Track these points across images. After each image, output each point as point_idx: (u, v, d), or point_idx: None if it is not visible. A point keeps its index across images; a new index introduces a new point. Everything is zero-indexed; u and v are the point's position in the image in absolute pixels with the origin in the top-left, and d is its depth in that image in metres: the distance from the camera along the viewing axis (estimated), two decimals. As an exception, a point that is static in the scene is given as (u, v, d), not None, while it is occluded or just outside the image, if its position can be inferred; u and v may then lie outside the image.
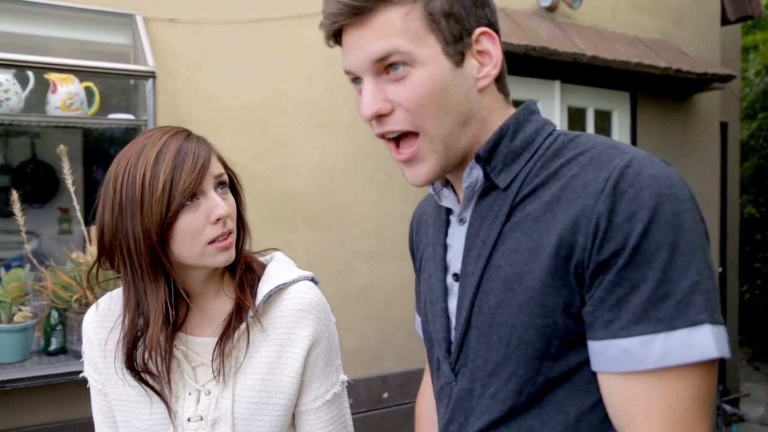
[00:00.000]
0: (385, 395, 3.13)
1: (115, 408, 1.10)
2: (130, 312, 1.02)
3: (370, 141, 3.08)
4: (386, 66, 0.81)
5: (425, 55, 0.79)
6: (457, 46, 0.81)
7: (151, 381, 1.04)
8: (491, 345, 0.82)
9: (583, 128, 3.85)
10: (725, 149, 5.46)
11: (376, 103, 0.81)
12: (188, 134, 1.04)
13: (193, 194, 1.00)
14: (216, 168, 1.04)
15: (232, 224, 1.06)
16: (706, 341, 0.69)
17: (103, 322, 1.11)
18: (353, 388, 2.97)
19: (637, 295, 0.71)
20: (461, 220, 0.91)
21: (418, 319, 1.14)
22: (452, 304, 0.90)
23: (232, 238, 1.05)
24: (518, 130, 0.86)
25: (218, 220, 1.01)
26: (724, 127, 5.34)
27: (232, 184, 1.11)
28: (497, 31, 0.86)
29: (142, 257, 0.99)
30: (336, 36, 0.85)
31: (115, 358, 1.06)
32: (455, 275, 0.90)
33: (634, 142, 4.03)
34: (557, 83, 3.64)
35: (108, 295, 1.15)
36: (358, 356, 3.03)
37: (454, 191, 0.93)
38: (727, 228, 5.57)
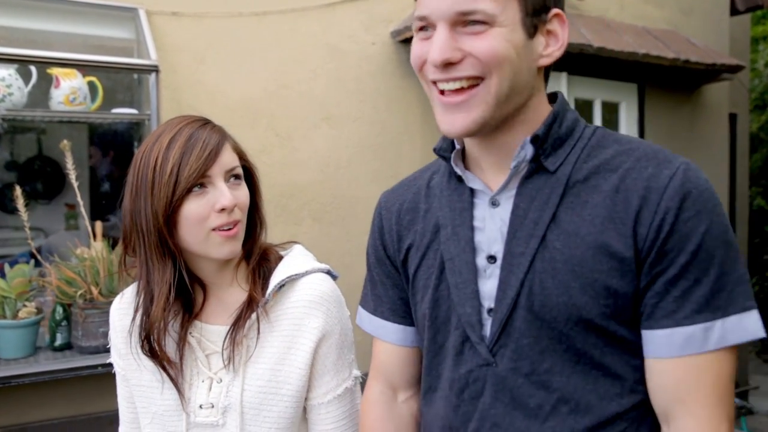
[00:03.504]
0: (392, 389, 3.12)
1: (135, 394, 1.14)
2: (143, 291, 1.06)
3: (375, 134, 3.07)
4: (466, 21, 0.84)
5: (506, 20, 0.84)
6: (534, 19, 0.86)
7: (165, 364, 1.06)
8: (543, 323, 0.86)
9: (590, 120, 3.82)
10: (734, 141, 5.42)
11: (448, 50, 0.84)
12: (204, 123, 1.07)
13: (201, 182, 1.02)
14: (229, 159, 1.06)
15: (240, 215, 1.07)
16: (756, 324, 0.82)
17: (127, 309, 1.14)
18: (359, 383, 2.95)
19: (701, 287, 0.81)
20: (494, 203, 0.92)
21: (362, 313, 1.13)
22: (486, 285, 0.92)
23: (239, 228, 1.06)
24: (564, 117, 0.92)
25: (222, 209, 1.02)
26: (733, 118, 5.30)
27: (250, 177, 1.12)
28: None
29: (152, 238, 1.03)
30: None
31: (130, 340, 1.09)
32: (491, 257, 0.91)
33: (642, 134, 4.00)
34: (564, 75, 3.60)
35: (135, 283, 1.18)
36: (361, 351, 3.02)
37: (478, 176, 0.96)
38: (736, 220, 5.54)
